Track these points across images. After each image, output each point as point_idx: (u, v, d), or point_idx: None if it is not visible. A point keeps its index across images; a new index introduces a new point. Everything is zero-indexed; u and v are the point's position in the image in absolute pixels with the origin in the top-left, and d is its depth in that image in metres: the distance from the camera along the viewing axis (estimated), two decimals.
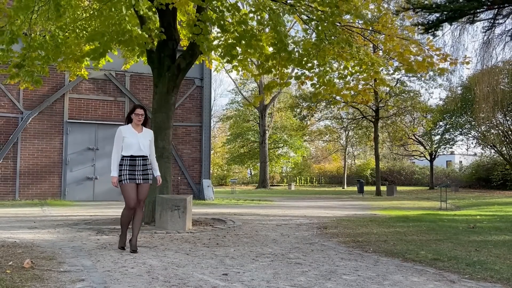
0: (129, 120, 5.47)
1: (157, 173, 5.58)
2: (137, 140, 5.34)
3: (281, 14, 7.34)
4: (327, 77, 8.47)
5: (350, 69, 8.64)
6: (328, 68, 8.49)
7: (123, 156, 5.31)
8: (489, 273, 4.27)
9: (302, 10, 7.79)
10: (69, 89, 14.90)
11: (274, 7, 7.36)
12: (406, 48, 8.48)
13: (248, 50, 7.81)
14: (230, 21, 7.81)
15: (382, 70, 9.42)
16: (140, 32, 7.23)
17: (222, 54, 7.77)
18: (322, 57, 7.91)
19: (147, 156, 5.40)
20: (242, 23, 7.40)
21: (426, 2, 8.14)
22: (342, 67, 8.80)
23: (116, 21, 6.44)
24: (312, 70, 8.32)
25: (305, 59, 7.97)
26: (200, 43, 7.11)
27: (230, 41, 7.77)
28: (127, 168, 5.28)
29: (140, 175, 5.30)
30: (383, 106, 25.04)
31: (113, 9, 6.07)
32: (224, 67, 9.55)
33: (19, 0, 6.26)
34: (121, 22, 6.26)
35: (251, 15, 7.63)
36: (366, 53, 8.35)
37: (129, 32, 6.71)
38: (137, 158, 5.32)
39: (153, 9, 7.80)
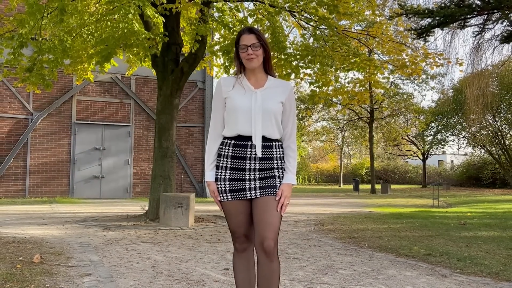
0: (241, 65, 2.46)
1: (289, 179, 2.44)
2: (250, 102, 2.38)
3: (280, 18, 7.40)
4: (324, 76, 8.51)
5: (343, 67, 8.65)
6: (326, 67, 8.51)
7: (224, 138, 2.45)
8: (479, 268, 4.27)
9: (301, 17, 7.82)
10: (77, 92, 14.89)
11: (275, 16, 7.42)
12: (399, 52, 8.49)
13: None
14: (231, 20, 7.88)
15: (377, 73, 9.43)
16: (147, 33, 7.23)
17: (222, 61, 7.82)
18: (319, 56, 7.93)
19: (274, 140, 2.42)
20: (242, 22, 7.46)
21: (418, 8, 8.14)
22: (335, 69, 8.83)
23: (124, 24, 6.43)
24: (311, 69, 8.37)
25: (304, 59, 8.02)
26: (202, 32, 7.15)
27: (230, 41, 7.80)
28: (228, 165, 2.40)
29: (253, 179, 2.38)
30: (377, 108, 25.04)
31: (121, 11, 6.04)
32: (226, 69, 9.56)
33: (30, 6, 6.26)
34: (128, 23, 6.25)
35: (249, 19, 7.68)
36: (359, 55, 8.35)
37: (136, 35, 6.71)
38: (248, 143, 2.38)
39: (157, 15, 7.83)
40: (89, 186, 14.90)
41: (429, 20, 7.89)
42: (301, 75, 8.73)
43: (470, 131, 27.24)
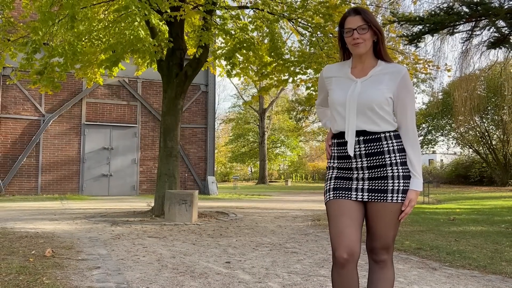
0: (345, 52, 2.10)
1: (413, 184, 1.94)
2: (345, 94, 1.99)
3: (278, 25, 7.39)
4: None
5: None
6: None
7: (333, 137, 2.10)
8: (468, 261, 4.26)
9: (299, 23, 7.82)
10: (86, 94, 14.89)
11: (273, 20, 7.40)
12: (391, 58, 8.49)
13: (249, 54, 7.84)
14: (232, 26, 7.87)
15: None
16: (152, 40, 7.22)
17: (224, 63, 7.82)
18: (315, 62, 7.93)
19: (382, 132, 1.96)
20: (243, 29, 7.46)
21: (410, 15, 8.14)
22: None
23: (131, 31, 6.42)
24: (307, 75, 8.36)
25: (301, 65, 8.00)
26: (205, 40, 7.15)
27: (231, 47, 7.78)
28: (335, 165, 2.07)
29: (361, 179, 2.00)
30: None
31: (128, 19, 6.03)
32: (228, 72, 9.59)
33: (43, 14, 6.26)
34: (134, 30, 6.25)
35: (250, 26, 7.67)
36: None
37: (142, 41, 6.71)
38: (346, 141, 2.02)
39: (163, 22, 7.83)
40: (98, 184, 14.90)
41: (420, 27, 7.89)
42: (298, 81, 8.73)
43: (458, 131, 27.24)
